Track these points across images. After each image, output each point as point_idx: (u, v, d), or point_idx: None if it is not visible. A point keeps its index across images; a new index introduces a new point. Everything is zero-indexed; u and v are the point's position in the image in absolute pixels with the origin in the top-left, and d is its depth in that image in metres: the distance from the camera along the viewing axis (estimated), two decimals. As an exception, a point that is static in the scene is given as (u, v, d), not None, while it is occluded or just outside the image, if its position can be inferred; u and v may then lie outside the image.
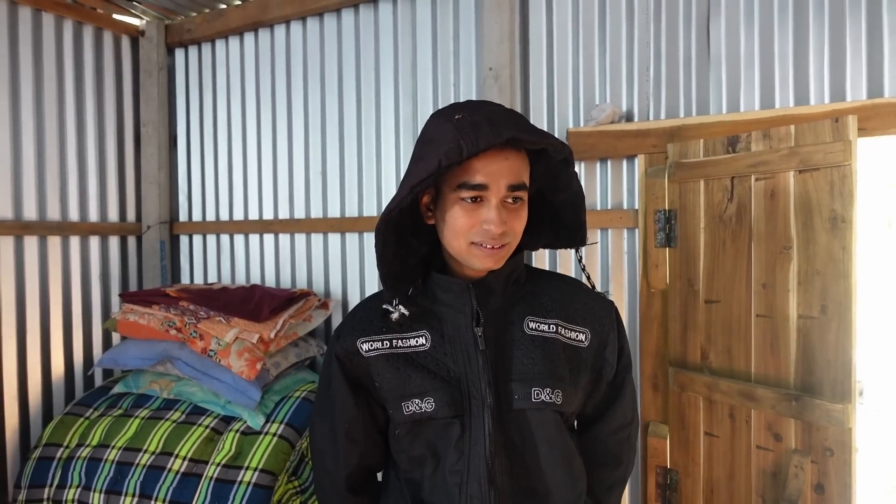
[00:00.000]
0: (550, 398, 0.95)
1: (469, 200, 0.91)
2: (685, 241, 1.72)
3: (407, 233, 1.00)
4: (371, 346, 1.01)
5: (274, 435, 1.86)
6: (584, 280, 1.12)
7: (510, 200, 0.92)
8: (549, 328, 1.00)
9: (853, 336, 1.37)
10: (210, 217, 2.69)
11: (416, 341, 1.00)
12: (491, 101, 0.98)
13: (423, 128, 0.98)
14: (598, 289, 1.11)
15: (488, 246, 0.91)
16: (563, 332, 1.00)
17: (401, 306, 1.01)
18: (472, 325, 0.97)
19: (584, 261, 1.11)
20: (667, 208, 1.76)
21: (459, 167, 0.90)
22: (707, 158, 1.65)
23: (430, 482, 0.97)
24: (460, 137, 0.87)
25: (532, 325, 1.00)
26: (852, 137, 1.37)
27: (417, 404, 0.96)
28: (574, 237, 1.05)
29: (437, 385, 0.96)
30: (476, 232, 0.91)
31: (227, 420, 1.95)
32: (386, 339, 1.00)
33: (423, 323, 1.01)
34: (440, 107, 2.17)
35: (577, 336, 1.01)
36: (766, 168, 1.51)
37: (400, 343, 1.00)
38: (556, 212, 1.05)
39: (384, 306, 1.03)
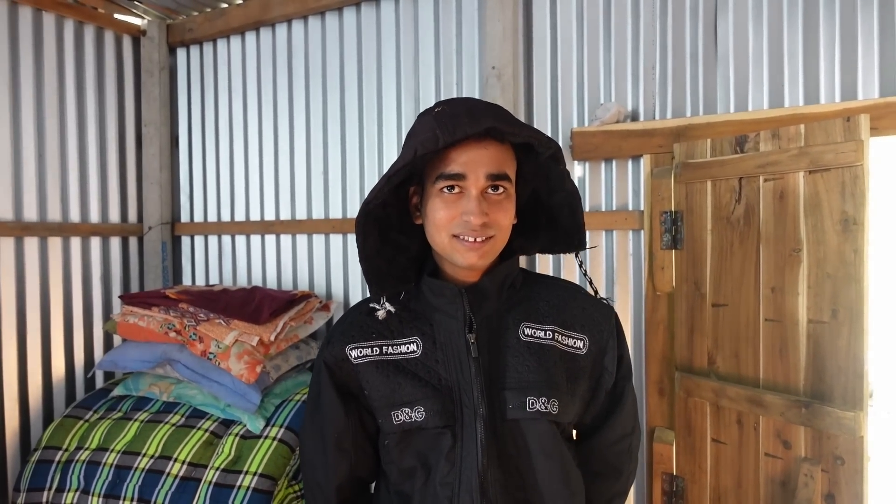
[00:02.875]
0: (546, 408, 0.92)
1: (447, 191, 0.88)
2: (692, 243, 1.68)
3: (393, 230, 0.98)
4: (360, 352, 0.98)
5: (274, 439, 1.83)
6: (587, 286, 1.09)
7: (491, 191, 0.89)
8: (545, 335, 0.96)
9: (865, 341, 1.33)
10: (212, 218, 2.67)
11: (407, 348, 0.97)
12: (476, 98, 0.96)
13: None
14: (602, 294, 1.08)
15: (469, 239, 0.88)
16: (559, 339, 0.97)
17: (388, 304, 0.98)
18: (465, 331, 0.94)
19: (584, 265, 1.08)
20: (673, 209, 1.73)
21: (438, 159, 0.88)
22: (714, 158, 1.62)
23: (421, 495, 0.94)
24: (437, 127, 0.85)
25: (528, 331, 0.97)
26: (864, 137, 1.33)
27: (407, 413, 0.93)
28: (571, 241, 1.02)
29: (428, 393, 0.93)
30: (456, 224, 0.89)
31: (227, 423, 1.92)
32: (376, 346, 0.98)
33: (415, 329, 0.98)
34: (442, 106, 2.17)
35: (574, 343, 0.98)
36: (775, 168, 1.48)
37: (390, 350, 0.97)
38: (553, 214, 1.02)
39: (370, 304, 1.00)
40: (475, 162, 0.87)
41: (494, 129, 0.86)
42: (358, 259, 0.96)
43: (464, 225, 0.88)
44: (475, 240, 0.88)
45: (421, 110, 2.14)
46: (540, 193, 1.01)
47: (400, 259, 1.00)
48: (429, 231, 0.94)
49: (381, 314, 0.98)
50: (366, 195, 2.29)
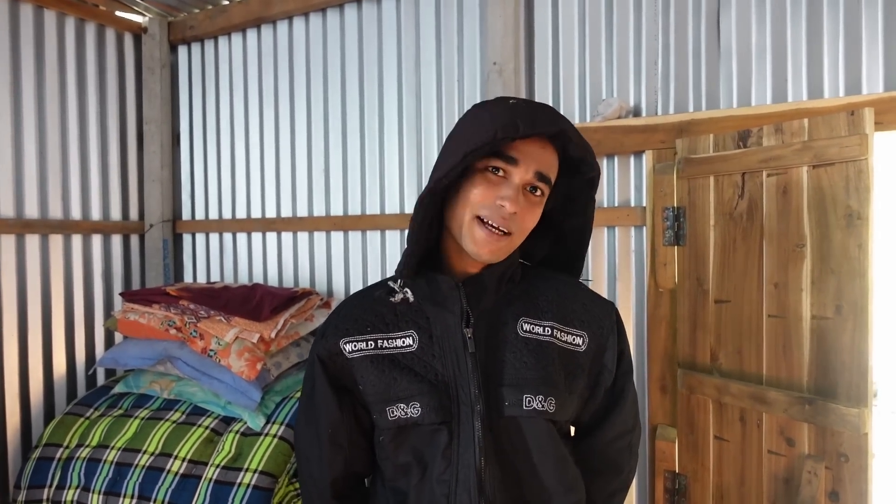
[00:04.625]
0: (543, 406, 0.90)
1: (492, 171, 0.88)
2: (694, 239, 1.67)
3: (432, 214, 0.95)
4: (355, 346, 0.96)
5: (274, 436, 1.83)
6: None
7: (531, 189, 0.89)
8: (543, 331, 0.95)
9: (869, 337, 1.32)
10: (213, 215, 2.67)
11: (403, 342, 0.95)
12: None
13: (462, 117, 0.96)
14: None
15: (493, 224, 0.87)
16: (558, 336, 0.96)
17: (407, 290, 0.98)
18: (462, 325, 0.93)
19: (588, 274, 1.11)
20: (675, 205, 1.72)
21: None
22: (717, 154, 1.60)
23: (417, 492, 0.92)
24: (517, 117, 0.85)
25: (526, 326, 0.95)
26: (869, 131, 1.32)
27: (403, 409, 0.91)
28: (571, 268, 1.05)
29: (424, 389, 0.91)
30: (485, 205, 0.88)
31: (228, 421, 1.92)
32: (371, 340, 0.96)
33: (411, 322, 0.96)
34: (444, 102, 2.19)
35: (573, 340, 0.97)
36: (779, 163, 1.46)
37: (385, 343, 0.96)
38: (562, 237, 1.03)
39: (389, 283, 1.00)
40: (531, 155, 0.88)
41: (565, 133, 0.88)
42: (407, 238, 0.93)
43: (494, 209, 0.87)
44: (497, 228, 0.87)
45: (422, 106, 2.18)
46: (555, 212, 1.01)
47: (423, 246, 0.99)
48: (454, 207, 0.92)
49: (397, 298, 0.98)
50: (366, 192, 2.32)
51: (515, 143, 0.87)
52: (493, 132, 0.84)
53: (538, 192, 0.90)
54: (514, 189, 0.87)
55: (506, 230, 0.88)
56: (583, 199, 0.98)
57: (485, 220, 0.88)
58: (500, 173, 0.88)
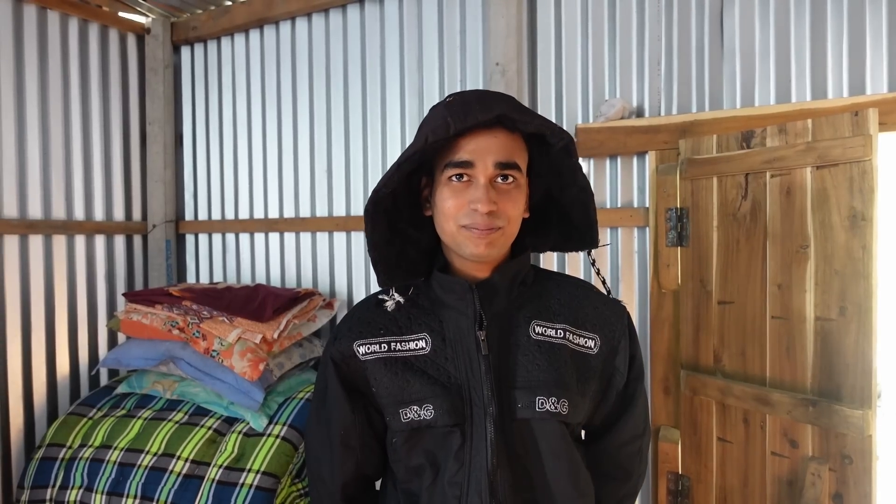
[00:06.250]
0: (556, 408, 0.90)
1: (455, 179, 0.88)
2: (697, 240, 1.67)
3: (403, 221, 0.97)
4: (368, 349, 0.96)
5: (277, 437, 1.83)
6: (600, 286, 1.07)
7: (500, 180, 0.88)
8: (556, 333, 0.95)
9: (874, 339, 1.31)
10: (216, 216, 2.67)
11: (416, 344, 0.95)
12: (489, 90, 0.95)
13: None
14: (614, 295, 1.06)
15: (478, 228, 0.87)
16: (571, 338, 0.95)
17: (396, 294, 0.98)
18: (475, 328, 0.93)
19: (597, 264, 1.07)
20: (678, 206, 1.71)
21: (448, 148, 0.88)
22: (720, 154, 1.60)
23: (429, 494, 0.92)
24: (448, 115, 0.85)
25: (538, 329, 0.95)
26: (873, 132, 1.31)
27: (416, 411, 0.91)
28: (584, 238, 1.00)
29: (437, 391, 0.91)
30: (465, 213, 0.88)
31: (230, 421, 1.92)
32: (384, 342, 0.96)
33: (423, 325, 0.96)
34: (446, 103, 2.17)
35: (585, 342, 0.96)
36: (782, 164, 1.46)
37: (399, 346, 0.96)
38: (565, 211, 1.00)
39: (379, 296, 1.00)
40: (484, 149, 0.87)
41: (505, 116, 0.86)
42: (366, 248, 0.95)
43: (471, 214, 0.87)
44: (482, 228, 0.87)
45: (424, 107, 2.17)
46: (552, 190, 1.00)
47: (409, 251, 0.99)
48: (438, 222, 0.93)
49: (390, 305, 0.98)
50: (369, 192, 2.30)
51: (462, 143, 0.87)
52: (424, 138, 0.85)
53: (510, 180, 0.89)
54: (481, 189, 0.86)
55: (491, 227, 0.88)
56: (567, 170, 0.96)
57: (469, 227, 0.88)
58: (465, 179, 0.88)
